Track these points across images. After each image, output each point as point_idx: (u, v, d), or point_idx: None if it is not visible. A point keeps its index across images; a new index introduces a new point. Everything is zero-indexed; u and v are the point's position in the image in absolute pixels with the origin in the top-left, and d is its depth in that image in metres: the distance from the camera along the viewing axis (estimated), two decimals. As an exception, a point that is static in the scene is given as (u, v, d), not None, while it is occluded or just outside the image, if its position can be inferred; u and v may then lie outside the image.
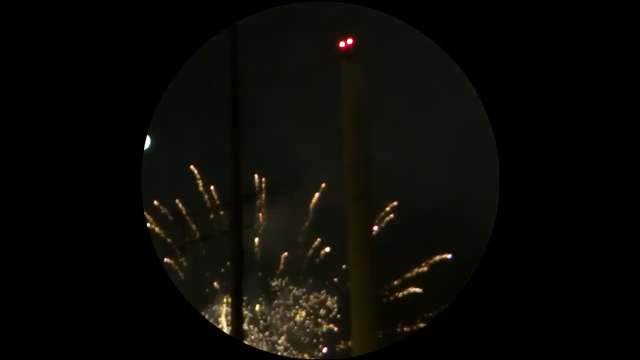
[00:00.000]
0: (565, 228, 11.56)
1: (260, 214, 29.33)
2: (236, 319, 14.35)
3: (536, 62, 11.91)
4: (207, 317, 28.91)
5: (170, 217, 28.65)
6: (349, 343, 21.86)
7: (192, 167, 28.84)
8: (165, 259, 28.43)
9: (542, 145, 11.78)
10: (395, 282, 28.28)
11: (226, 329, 27.48)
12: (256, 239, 29.16)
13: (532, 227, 11.66)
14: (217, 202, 29.06)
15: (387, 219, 28.93)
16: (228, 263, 14.92)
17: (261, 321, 29.17)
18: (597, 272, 11.46)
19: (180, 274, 29.06)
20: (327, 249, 28.57)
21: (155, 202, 28.56)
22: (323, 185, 28.66)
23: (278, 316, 29.21)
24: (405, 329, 28.05)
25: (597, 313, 11.45)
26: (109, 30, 12.74)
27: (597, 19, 11.64)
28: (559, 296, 11.54)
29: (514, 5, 11.90)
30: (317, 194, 28.76)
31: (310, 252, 29.01)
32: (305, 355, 28.91)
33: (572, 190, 11.65)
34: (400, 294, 28.36)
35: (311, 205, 28.93)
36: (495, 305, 11.69)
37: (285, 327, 28.97)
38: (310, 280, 28.96)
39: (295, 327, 29.03)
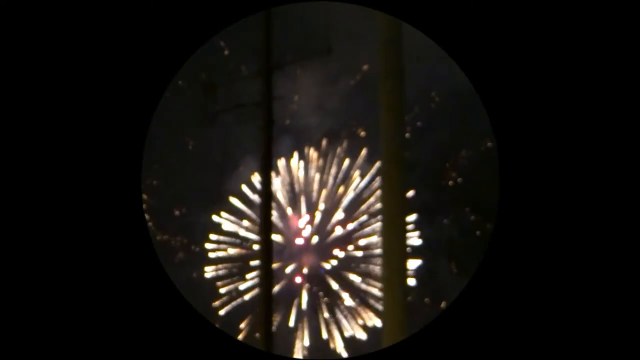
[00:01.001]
0: (567, 229, 11.55)
1: (293, 86, 28.74)
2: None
3: (537, 62, 11.93)
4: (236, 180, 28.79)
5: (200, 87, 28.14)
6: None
7: (221, 42, 28.06)
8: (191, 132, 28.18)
9: (543, 145, 11.80)
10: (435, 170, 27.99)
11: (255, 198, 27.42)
12: (286, 113, 28.73)
13: (534, 227, 11.62)
14: (248, 72, 28.33)
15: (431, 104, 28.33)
16: (258, 133, 14.91)
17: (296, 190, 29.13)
18: (604, 271, 11.49)
19: (209, 146, 28.78)
20: (362, 134, 28.17)
21: (180, 82, 27.92)
22: (365, 67, 27.94)
23: (310, 182, 29.14)
24: (445, 220, 27.90)
25: (607, 310, 11.41)
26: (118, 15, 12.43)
27: (597, 19, 11.57)
28: (561, 298, 11.71)
29: (515, 5, 11.84)
30: (357, 77, 28.11)
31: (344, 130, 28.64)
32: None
33: (574, 192, 11.65)
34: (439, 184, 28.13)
35: (352, 82, 28.35)
36: (499, 305, 11.90)
37: (320, 194, 28.95)
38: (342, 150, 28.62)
39: (327, 194, 29.02)
